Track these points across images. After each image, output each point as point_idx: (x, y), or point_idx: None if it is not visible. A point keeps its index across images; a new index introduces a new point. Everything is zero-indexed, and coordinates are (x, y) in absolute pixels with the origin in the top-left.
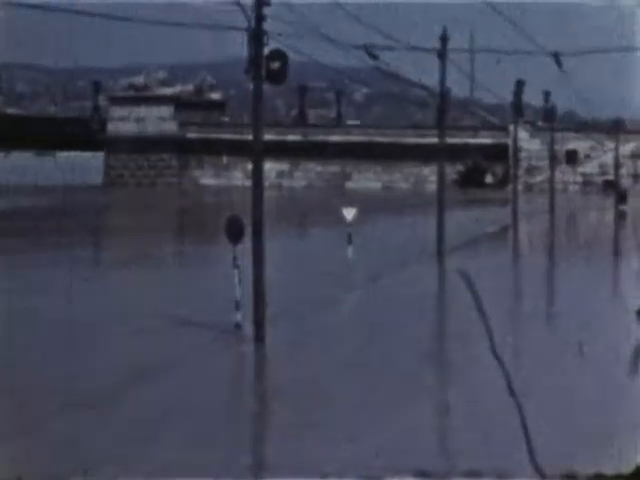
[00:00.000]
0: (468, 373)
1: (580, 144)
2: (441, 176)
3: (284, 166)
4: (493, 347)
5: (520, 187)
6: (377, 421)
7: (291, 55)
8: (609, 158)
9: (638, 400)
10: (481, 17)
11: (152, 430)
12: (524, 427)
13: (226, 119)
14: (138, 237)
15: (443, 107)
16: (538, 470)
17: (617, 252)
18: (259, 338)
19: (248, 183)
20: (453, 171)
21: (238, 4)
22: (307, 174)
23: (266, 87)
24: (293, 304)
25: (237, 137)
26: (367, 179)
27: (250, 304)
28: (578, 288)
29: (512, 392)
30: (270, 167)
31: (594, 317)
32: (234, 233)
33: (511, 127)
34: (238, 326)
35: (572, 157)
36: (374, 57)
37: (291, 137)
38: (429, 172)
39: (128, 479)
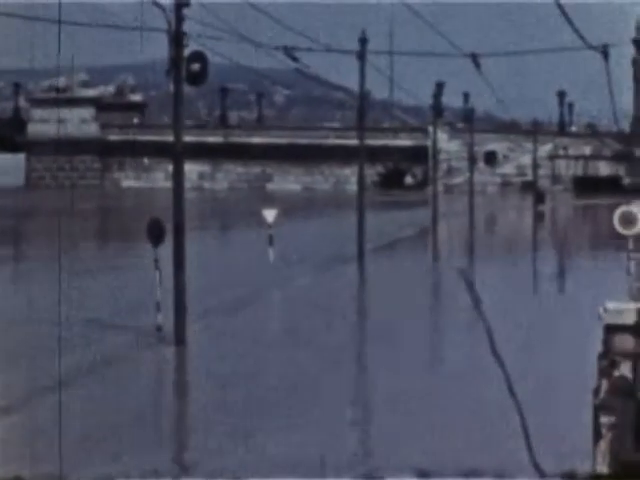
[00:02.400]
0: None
1: (499, 145)
2: (361, 178)
3: (206, 168)
4: (493, 347)
5: (440, 188)
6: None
7: (212, 57)
8: (527, 159)
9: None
10: (400, 18)
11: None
12: (524, 428)
13: (135, 120)
14: (56, 240)
15: (363, 109)
16: (538, 469)
17: (535, 253)
18: (180, 341)
19: (170, 185)
20: (373, 173)
21: (158, 5)
22: (229, 175)
23: (187, 89)
24: (214, 307)
25: (158, 139)
26: (288, 180)
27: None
28: (494, 287)
29: (512, 393)
30: (191, 169)
31: (510, 317)
32: (155, 235)
33: (430, 129)
34: (159, 328)
35: (491, 158)
36: (294, 59)
37: (212, 139)
38: (350, 173)
39: (128, 479)
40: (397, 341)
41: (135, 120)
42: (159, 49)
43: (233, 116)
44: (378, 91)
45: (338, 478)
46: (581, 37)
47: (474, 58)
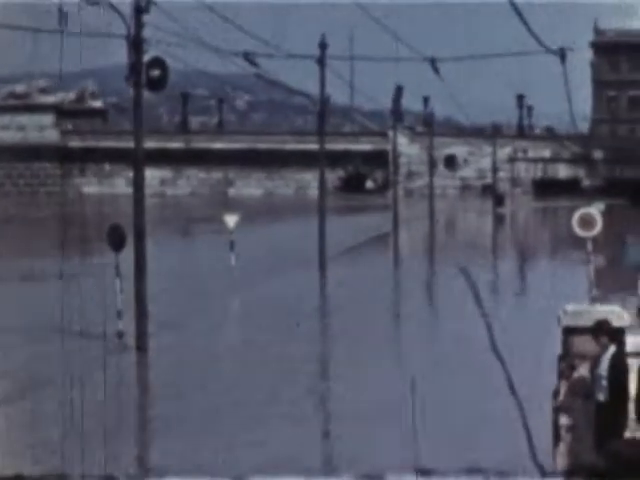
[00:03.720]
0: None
1: (459, 149)
2: (322, 182)
3: (167, 173)
4: (494, 345)
5: (400, 192)
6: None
7: (172, 63)
8: (487, 162)
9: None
10: (361, 22)
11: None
12: (526, 428)
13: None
14: (16, 248)
15: (323, 113)
16: (539, 468)
17: (495, 255)
18: (141, 347)
19: (131, 191)
20: (334, 177)
21: (117, 12)
22: (190, 181)
23: (149, 95)
24: (175, 313)
25: (119, 145)
26: (250, 185)
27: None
28: (455, 290)
29: (513, 391)
30: (153, 175)
31: (467, 318)
32: (115, 242)
33: (391, 133)
34: (120, 335)
35: (451, 162)
36: (254, 64)
37: (173, 144)
38: (311, 178)
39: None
40: (355, 351)
41: (97, 126)
42: (121, 55)
43: (194, 121)
44: (338, 96)
45: (338, 478)
46: (538, 40)
47: (433, 62)
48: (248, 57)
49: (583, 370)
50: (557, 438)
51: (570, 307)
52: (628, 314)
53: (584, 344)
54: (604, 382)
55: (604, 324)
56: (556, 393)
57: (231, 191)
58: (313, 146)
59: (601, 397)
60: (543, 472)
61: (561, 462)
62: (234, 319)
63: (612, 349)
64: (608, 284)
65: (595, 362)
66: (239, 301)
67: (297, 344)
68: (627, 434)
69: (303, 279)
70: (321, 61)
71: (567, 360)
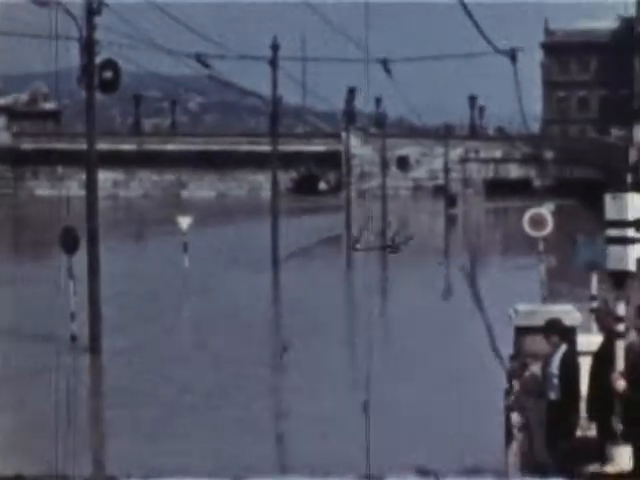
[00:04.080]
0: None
1: (411, 150)
2: (275, 184)
3: (120, 176)
4: (493, 343)
5: (353, 193)
6: None
7: (124, 64)
8: (439, 163)
9: None
10: (313, 24)
11: None
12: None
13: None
14: None
15: (276, 115)
16: (539, 468)
17: (447, 256)
18: (94, 350)
19: (84, 193)
20: (287, 178)
21: (69, 13)
22: (143, 183)
23: (101, 97)
24: (127, 317)
25: (72, 147)
26: (203, 187)
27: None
28: (406, 292)
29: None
30: (106, 177)
31: (422, 319)
32: (68, 244)
33: (343, 134)
34: (74, 338)
35: (403, 163)
36: (206, 65)
37: (126, 146)
38: (264, 180)
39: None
40: (307, 354)
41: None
42: (74, 57)
43: (147, 123)
44: (291, 97)
45: (338, 478)
46: (489, 42)
47: (384, 64)
48: (200, 59)
49: (535, 369)
50: (509, 437)
51: (522, 307)
52: (579, 313)
53: (536, 343)
54: (556, 381)
55: (555, 323)
56: (508, 392)
57: (184, 193)
58: (266, 148)
59: (553, 396)
60: (543, 473)
61: (513, 461)
62: (186, 322)
63: (563, 348)
64: (560, 283)
65: (547, 361)
66: (191, 304)
67: (249, 348)
68: (579, 433)
69: (255, 281)
70: (273, 62)
71: (519, 359)
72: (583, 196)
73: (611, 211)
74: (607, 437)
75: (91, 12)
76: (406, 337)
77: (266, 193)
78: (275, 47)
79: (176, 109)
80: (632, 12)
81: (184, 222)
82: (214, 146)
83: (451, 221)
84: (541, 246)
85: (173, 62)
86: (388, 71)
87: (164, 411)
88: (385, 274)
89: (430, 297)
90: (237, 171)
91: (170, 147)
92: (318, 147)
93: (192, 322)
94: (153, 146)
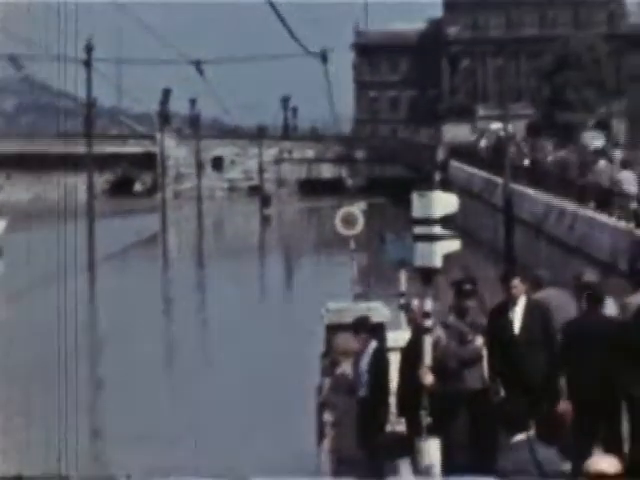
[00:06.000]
0: None
1: (226, 150)
2: (90, 186)
3: None
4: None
5: (169, 194)
6: None
7: None
8: (253, 163)
9: None
10: (128, 23)
11: None
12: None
13: None
14: None
15: (90, 116)
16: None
17: (262, 255)
18: None
19: None
20: (103, 180)
21: None
22: None
23: None
24: None
25: None
26: (19, 190)
27: None
28: (224, 291)
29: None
30: None
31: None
32: None
33: (158, 135)
34: None
35: (218, 163)
36: (19, 67)
37: None
38: (80, 182)
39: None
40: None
41: None
42: None
43: None
44: (105, 98)
45: (338, 478)
46: (299, 42)
47: (197, 65)
48: (14, 60)
49: (346, 366)
50: (321, 434)
51: (332, 305)
52: (389, 310)
53: (346, 341)
54: (366, 378)
55: (364, 320)
56: (320, 390)
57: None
58: (81, 149)
59: (363, 393)
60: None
61: (326, 458)
62: None
63: (373, 345)
64: (371, 281)
65: (357, 358)
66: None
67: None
68: (388, 428)
69: (72, 284)
70: (87, 63)
71: (330, 357)
72: (394, 194)
73: (418, 209)
74: (416, 431)
75: None
76: (222, 340)
77: (82, 195)
78: (89, 48)
79: None
80: (440, 14)
81: None
82: (29, 148)
83: (266, 221)
84: (353, 244)
85: None
86: (201, 72)
87: None
88: (200, 273)
89: (246, 297)
90: (53, 173)
91: None
92: (133, 149)
93: None
94: None
